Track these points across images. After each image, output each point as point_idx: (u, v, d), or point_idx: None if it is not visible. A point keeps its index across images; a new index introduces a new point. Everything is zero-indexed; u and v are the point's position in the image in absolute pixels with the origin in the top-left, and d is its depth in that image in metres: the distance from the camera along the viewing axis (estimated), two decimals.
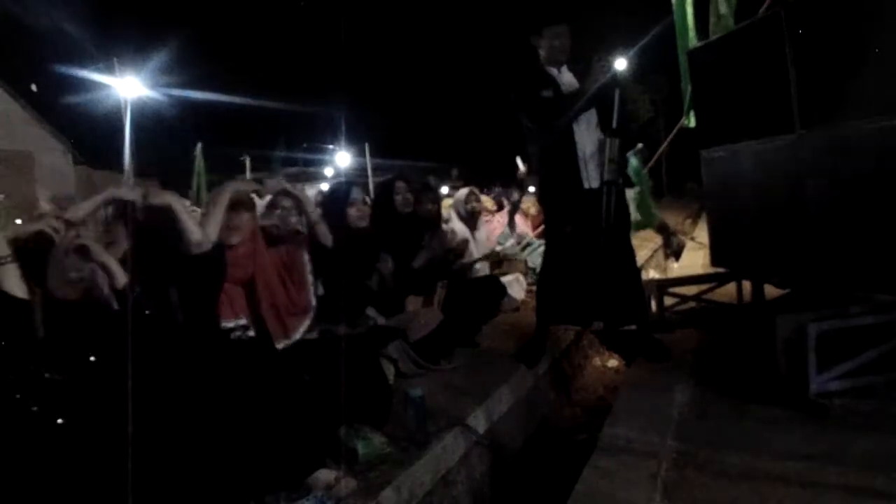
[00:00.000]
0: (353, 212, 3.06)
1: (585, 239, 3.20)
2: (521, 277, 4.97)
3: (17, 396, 1.63)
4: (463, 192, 5.15)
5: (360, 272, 3.14)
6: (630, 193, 5.92)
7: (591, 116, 3.21)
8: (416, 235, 3.80)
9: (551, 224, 3.52)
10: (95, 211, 2.21)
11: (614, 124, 3.12)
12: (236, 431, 1.75)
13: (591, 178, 3.20)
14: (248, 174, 13.59)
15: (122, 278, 1.96)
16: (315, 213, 2.86)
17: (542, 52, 3.28)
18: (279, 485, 1.86)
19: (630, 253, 3.42)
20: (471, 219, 4.96)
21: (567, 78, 3.25)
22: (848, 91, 2.83)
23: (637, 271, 3.60)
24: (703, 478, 2.07)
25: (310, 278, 2.68)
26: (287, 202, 2.78)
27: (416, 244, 3.74)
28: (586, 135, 3.20)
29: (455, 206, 5.05)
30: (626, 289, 3.28)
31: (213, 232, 2.30)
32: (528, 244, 6.21)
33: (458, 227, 4.83)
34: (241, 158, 13.96)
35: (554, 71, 3.25)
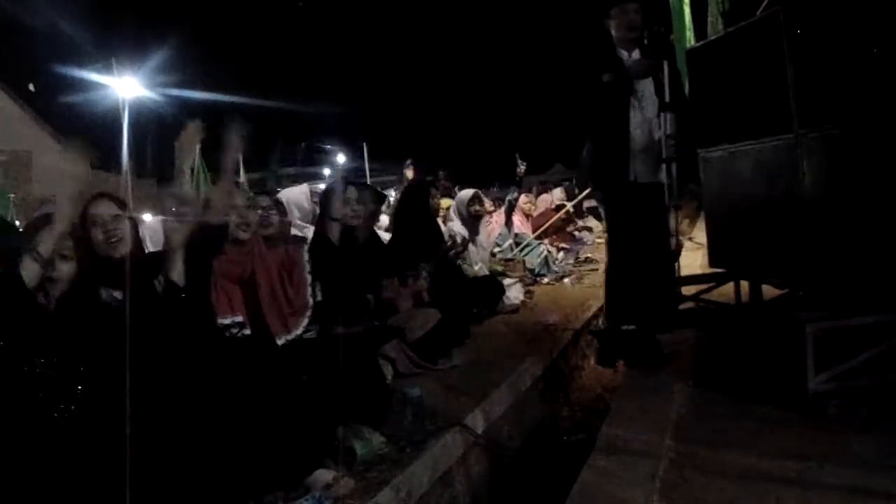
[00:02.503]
0: (344, 208, 3.04)
1: (645, 233, 3.10)
2: (520, 283, 4.99)
3: (18, 394, 1.62)
4: (467, 193, 5.06)
5: (363, 281, 3.16)
6: None
7: (647, 105, 3.09)
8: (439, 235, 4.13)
9: (610, 217, 3.39)
10: None
11: (667, 97, 3.00)
12: (234, 431, 1.75)
13: (639, 173, 3.11)
14: (242, 173, 13.47)
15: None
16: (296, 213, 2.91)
17: (613, 34, 3.17)
18: (277, 484, 1.85)
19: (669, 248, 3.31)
20: (472, 221, 4.91)
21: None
22: (846, 91, 2.83)
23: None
24: (702, 478, 2.06)
25: (308, 278, 2.69)
26: (265, 201, 2.77)
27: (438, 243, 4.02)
28: (641, 128, 3.09)
29: (457, 207, 5.01)
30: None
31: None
32: (527, 245, 6.22)
33: (457, 227, 4.81)
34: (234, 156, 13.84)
35: (624, 54, 3.16)
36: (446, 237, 4.39)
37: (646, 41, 3.09)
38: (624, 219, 3.16)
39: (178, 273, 2.05)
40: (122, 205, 2.15)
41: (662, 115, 3.00)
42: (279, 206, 2.92)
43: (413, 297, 3.42)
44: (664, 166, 3.04)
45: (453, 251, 4.33)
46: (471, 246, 4.74)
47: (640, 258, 3.13)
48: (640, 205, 3.07)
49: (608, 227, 3.46)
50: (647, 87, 3.17)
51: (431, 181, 4.42)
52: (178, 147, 2.27)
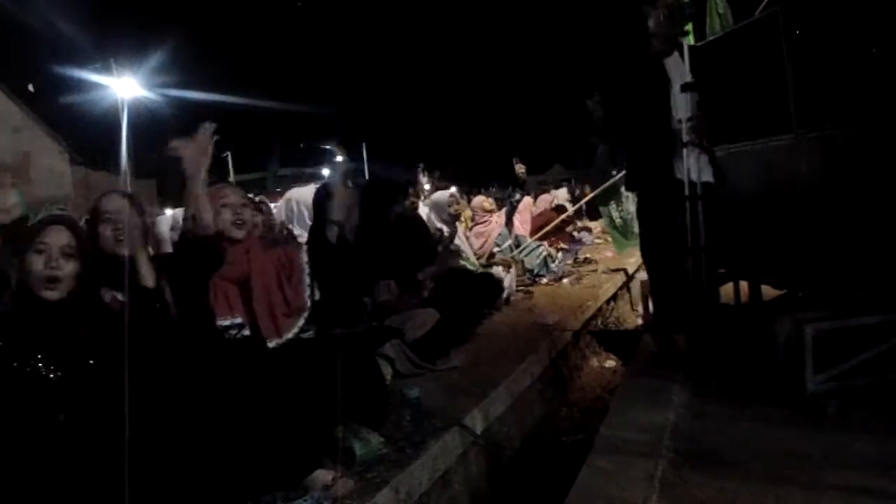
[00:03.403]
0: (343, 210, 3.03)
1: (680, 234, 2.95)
2: (511, 270, 5.05)
3: (17, 395, 1.62)
4: (443, 195, 5.12)
5: (360, 283, 3.16)
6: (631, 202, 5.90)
7: (684, 99, 2.93)
8: (419, 235, 4.04)
9: (646, 217, 3.27)
10: None
11: (687, 78, 2.87)
12: (233, 431, 1.75)
13: (680, 170, 2.98)
14: (231, 173, 13.40)
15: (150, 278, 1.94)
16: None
17: (651, 24, 3.02)
18: (276, 485, 1.85)
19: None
20: (452, 221, 5.00)
21: (673, 56, 3.00)
22: (845, 91, 2.84)
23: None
24: (700, 477, 2.06)
25: (307, 279, 2.68)
26: (234, 199, 2.56)
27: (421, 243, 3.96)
28: (678, 123, 2.95)
29: (436, 210, 5.04)
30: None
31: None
32: (526, 246, 6.23)
33: (439, 226, 4.86)
34: (223, 155, 13.66)
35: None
36: (433, 231, 4.41)
37: (661, 17, 2.98)
38: (667, 220, 3.02)
39: (145, 276, 1.96)
40: (137, 205, 2.14)
41: (682, 95, 2.84)
42: (259, 207, 2.92)
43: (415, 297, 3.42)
44: (685, 154, 2.87)
45: (442, 245, 4.35)
46: (458, 242, 4.82)
47: (679, 261, 3.02)
48: (680, 204, 2.94)
49: (641, 229, 3.32)
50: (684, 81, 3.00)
51: (406, 181, 4.33)
52: (188, 158, 2.09)
